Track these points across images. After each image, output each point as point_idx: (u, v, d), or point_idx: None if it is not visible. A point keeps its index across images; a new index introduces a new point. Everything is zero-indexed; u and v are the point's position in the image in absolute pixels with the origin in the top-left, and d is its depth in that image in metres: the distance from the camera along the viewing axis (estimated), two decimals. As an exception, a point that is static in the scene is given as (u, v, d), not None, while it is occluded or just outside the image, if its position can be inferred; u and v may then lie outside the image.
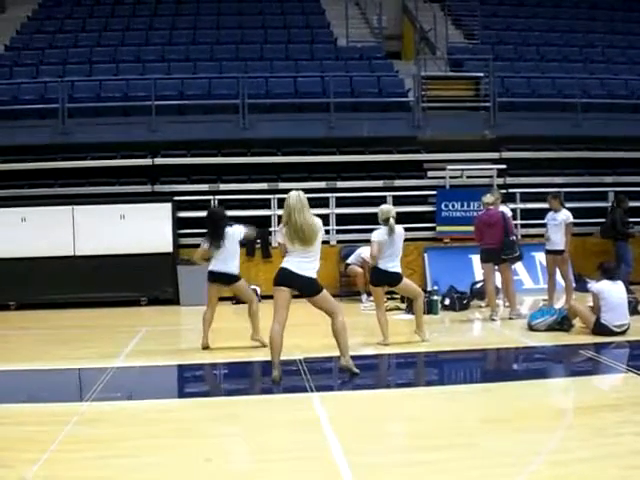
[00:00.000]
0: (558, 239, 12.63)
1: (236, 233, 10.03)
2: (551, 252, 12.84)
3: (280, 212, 15.13)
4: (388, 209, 10.14)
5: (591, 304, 10.48)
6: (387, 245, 9.88)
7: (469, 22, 21.18)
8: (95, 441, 6.06)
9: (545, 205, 13.25)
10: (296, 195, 7.99)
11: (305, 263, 7.95)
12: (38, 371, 8.95)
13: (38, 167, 16.02)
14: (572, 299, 12.34)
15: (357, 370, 8.11)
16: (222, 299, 10.41)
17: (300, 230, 7.85)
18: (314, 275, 8.05)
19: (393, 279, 10.02)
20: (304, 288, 8.01)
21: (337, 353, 8.33)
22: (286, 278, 7.97)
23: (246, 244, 10.57)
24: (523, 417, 6.55)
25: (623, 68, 19.47)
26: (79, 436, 6.19)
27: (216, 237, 9.92)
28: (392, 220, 9.87)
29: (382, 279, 10.04)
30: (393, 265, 9.94)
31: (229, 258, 9.92)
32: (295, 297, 8.10)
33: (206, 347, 9.85)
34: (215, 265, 9.96)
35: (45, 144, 16.14)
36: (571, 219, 12.67)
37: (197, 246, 15.12)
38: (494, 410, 6.94)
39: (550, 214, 12.86)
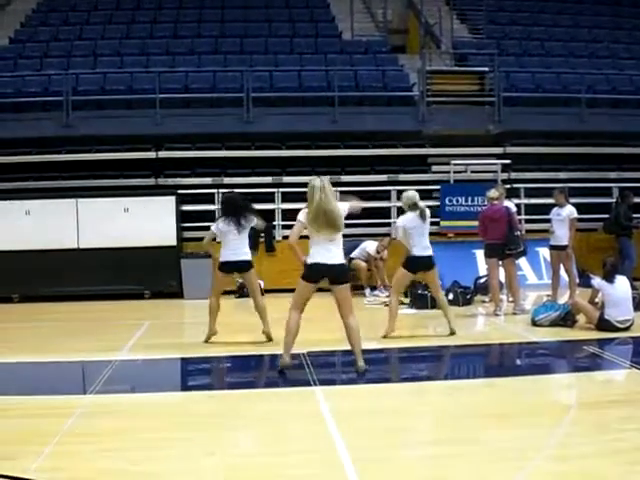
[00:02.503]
0: (562, 234, 12.60)
1: (249, 222, 10.00)
2: (555, 247, 12.81)
3: (284, 206, 15.29)
4: (413, 194, 10.16)
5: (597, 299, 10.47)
6: (418, 230, 9.95)
7: (474, 16, 21.16)
8: (98, 434, 6.07)
9: (549, 200, 13.23)
10: (320, 181, 7.94)
11: (333, 250, 7.90)
12: (41, 363, 8.96)
13: (42, 160, 16.03)
14: (576, 295, 12.32)
15: (365, 367, 8.09)
16: (224, 293, 10.38)
17: (326, 214, 7.79)
18: (343, 260, 8.07)
19: (428, 265, 10.06)
20: (335, 276, 7.93)
21: (341, 347, 8.37)
22: (318, 273, 7.94)
23: (253, 235, 10.52)
24: (526, 412, 6.54)
25: (628, 63, 19.42)
26: (82, 429, 6.20)
27: (239, 219, 9.84)
28: (420, 204, 9.96)
29: (418, 266, 10.08)
30: (428, 249, 10.05)
31: (240, 246, 9.85)
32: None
33: (213, 335, 9.85)
34: (227, 256, 9.84)
35: (49, 137, 16.15)
36: (575, 214, 12.63)
37: (201, 240, 15.23)
38: (497, 405, 6.93)
39: (555, 209, 12.83)
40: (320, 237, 7.90)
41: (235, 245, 9.83)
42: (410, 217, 10.02)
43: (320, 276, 7.98)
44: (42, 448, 5.61)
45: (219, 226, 9.97)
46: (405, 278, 10.34)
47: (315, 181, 7.95)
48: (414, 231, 9.97)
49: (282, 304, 9.82)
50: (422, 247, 10.00)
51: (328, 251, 7.88)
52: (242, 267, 9.94)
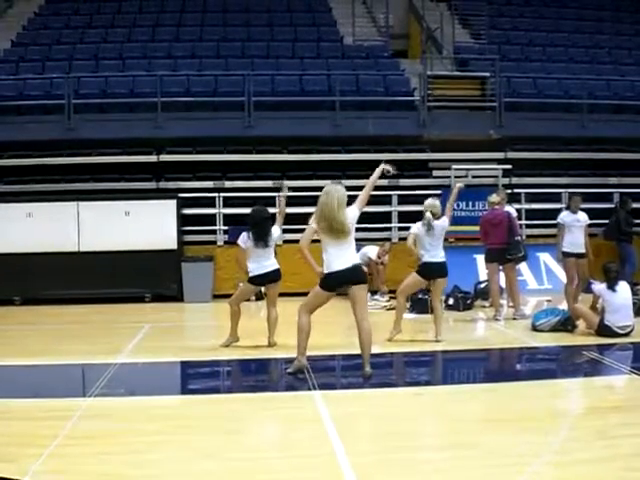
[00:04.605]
0: (582, 241, 12.24)
1: (275, 233, 9.91)
2: (577, 255, 12.27)
3: (285, 210, 15.25)
4: (428, 204, 10.31)
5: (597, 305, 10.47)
6: (425, 238, 10.12)
7: (476, 22, 21.17)
8: (98, 436, 6.08)
9: (550, 206, 13.20)
10: (330, 187, 8.04)
11: (345, 254, 7.95)
12: (41, 366, 8.97)
13: (43, 163, 16.04)
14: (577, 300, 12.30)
15: (371, 372, 8.07)
16: (223, 296, 10.37)
17: (328, 221, 7.85)
18: (358, 261, 8.16)
19: (441, 272, 10.18)
20: (353, 278, 7.96)
21: (340, 352, 8.35)
22: (336, 281, 7.97)
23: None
24: (526, 418, 6.55)
25: (629, 69, 19.44)
26: (82, 431, 6.21)
27: (262, 237, 9.73)
28: (428, 215, 10.09)
29: (432, 272, 10.18)
30: (440, 256, 10.17)
31: (266, 258, 9.78)
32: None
33: (234, 342, 9.84)
34: (256, 270, 9.73)
35: (51, 140, 16.13)
36: (588, 221, 12.46)
37: (201, 243, 15.33)
38: (497, 410, 6.94)
39: (567, 214, 12.39)
40: (330, 243, 7.94)
41: (261, 258, 9.75)
42: (419, 224, 10.20)
43: (338, 284, 8.01)
44: (41, 450, 5.62)
45: (243, 238, 9.86)
46: (417, 284, 10.44)
47: (326, 187, 8.05)
48: (421, 238, 10.13)
49: (283, 308, 9.86)
50: (432, 254, 10.10)
51: (341, 257, 7.91)
52: (274, 277, 9.86)
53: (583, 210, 12.63)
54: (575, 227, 12.32)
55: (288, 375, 8.14)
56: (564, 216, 12.46)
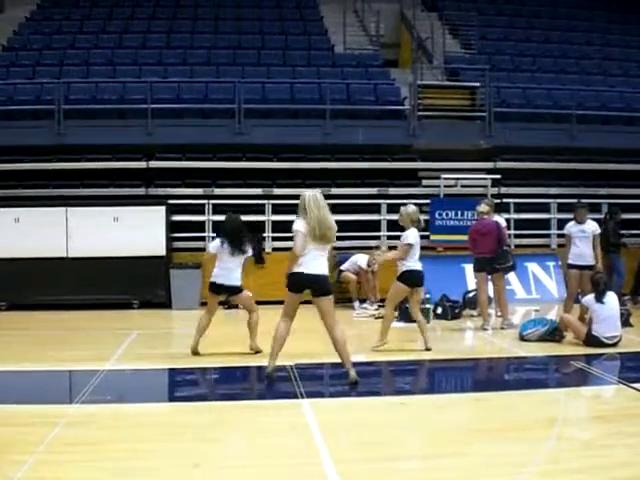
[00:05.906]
0: (589, 253, 11.94)
1: (245, 251, 9.89)
2: (580, 267, 12.02)
3: (274, 218, 15.29)
4: (417, 209, 10.48)
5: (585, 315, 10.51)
6: (418, 246, 10.20)
7: (466, 32, 21.24)
8: (84, 444, 6.04)
9: (539, 215, 13.19)
10: (313, 193, 8.05)
11: (318, 262, 7.98)
12: (27, 372, 8.92)
13: (33, 168, 16.01)
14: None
15: (357, 377, 8.08)
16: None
17: (322, 228, 7.89)
18: (326, 272, 8.11)
19: (422, 279, 10.27)
20: (317, 287, 7.99)
21: (328, 359, 8.34)
22: (301, 283, 8.00)
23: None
24: (513, 427, 6.54)
25: (618, 80, 19.57)
26: (68, 438, 6.17)
27: (238, 246, 9.73)
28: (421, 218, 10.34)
29: (417, 280, 10.21)
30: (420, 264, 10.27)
31: (233, 270, 9.76)
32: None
33: (196, 353, 9.77)
34: (218, 277, 9.76)
35: (40, 145, 16.12)
36: (599, 230, 12.22)
37: (190, 250, 15.30)
38: (484, 420, 6.94)
39: (572, 225, 12.18)
40: (312, 248, 7.94)
41: (228, 268, 9.73)
42: (415, 233, 10.21)
43: (302, 286, 8.03)
44: (26, 457, 5.58)
45: (216, 245, 9.88)
46: (402, 292, 10.37)
47: (308, 193, 8.03)
48: (417, 247, 10.16)
49: (270, 316, 9.82)
50: (417, 261, 10.15)
51: (315, 261, 7.96)
52: (231, 291, 9.87)
53: (571, 220, 12.47)
54: (579, 238, 12.05)
55: (266, 379, 8.15)
56: (569, 227, 12.26)
